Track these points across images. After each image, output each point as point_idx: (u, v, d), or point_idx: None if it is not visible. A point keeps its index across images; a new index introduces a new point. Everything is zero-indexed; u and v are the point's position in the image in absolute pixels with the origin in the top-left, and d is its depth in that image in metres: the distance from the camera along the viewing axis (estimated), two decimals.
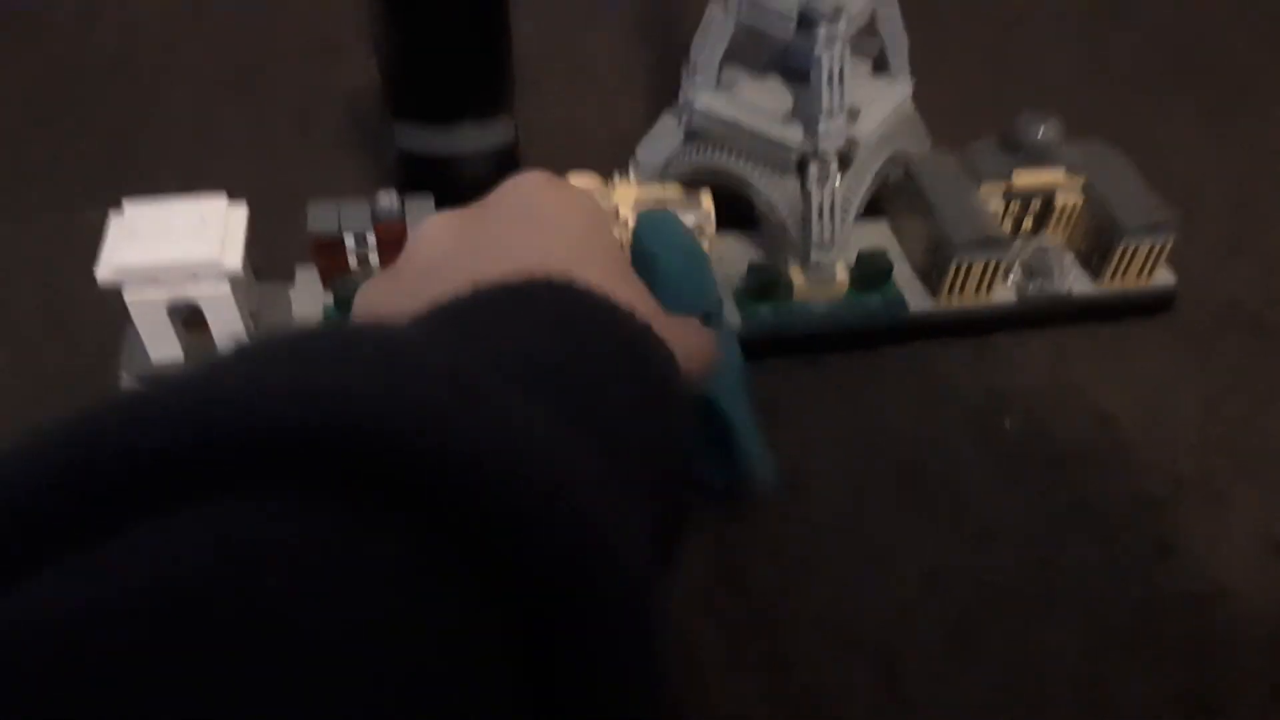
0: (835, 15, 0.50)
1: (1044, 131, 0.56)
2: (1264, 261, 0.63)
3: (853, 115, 0.55)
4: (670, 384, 0.28)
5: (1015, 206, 0.58)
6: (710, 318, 0.40)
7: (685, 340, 0.31)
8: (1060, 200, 0.58)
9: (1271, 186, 0.68)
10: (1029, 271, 0.57)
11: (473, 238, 0.31)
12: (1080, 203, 0.58)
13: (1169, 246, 0.57)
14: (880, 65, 0.59)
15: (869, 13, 0.53)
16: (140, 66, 0.74)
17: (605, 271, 0.29)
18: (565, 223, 0.31)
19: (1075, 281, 0.58)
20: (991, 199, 0.57)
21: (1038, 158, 0.57)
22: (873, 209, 0.60)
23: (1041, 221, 0.59)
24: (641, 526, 0.21)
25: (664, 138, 0.59)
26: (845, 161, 0.55)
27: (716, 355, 0.35)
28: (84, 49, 0.75)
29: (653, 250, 0.41)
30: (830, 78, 0.52)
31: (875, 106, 0.56)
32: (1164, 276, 0.58)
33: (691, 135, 0.57)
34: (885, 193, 0.60)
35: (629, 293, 0.29)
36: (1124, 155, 0.59)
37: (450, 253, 0.30)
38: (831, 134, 0.53)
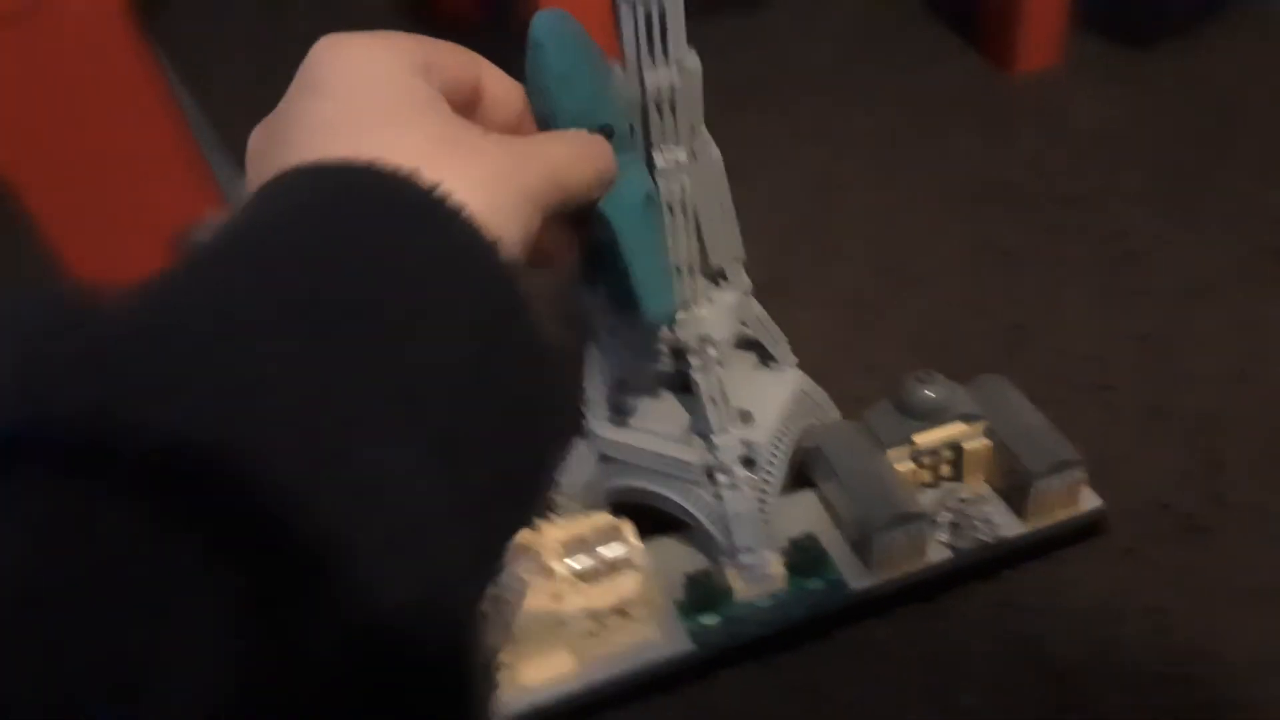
0: (703, 344, 0.53)
1: (931, 392, 0.58)
2: (1182, 449, 0.64)
3: (746, 418, 0.56)
4: (508, 303, 0.24)
5: (927, 461, 0.59)
6: (611, 134, 0.37)
7: (571, 152, 0.30)
8: (968, 447, 0.59)
9: (1170, 356, 0.70)
10: (956, 525, 0.58)
11: (282, 115, 0.27)
12: (988, 445, 0.59)
13: (1082, 478, 0.57)
14: (765, 356, 0.61)
15: (735, 325, 0.56)
16: None
17: (418, 138, 0.25)
18: (363, 88, 0.26)
19: (1003, 525, 0.58)
20: (900, 461, 0.59)
21: (933, 416, 0.58)
22: (799, 479, 0.61)
23: (957, 469, 0.60)
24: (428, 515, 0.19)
25: (580, 464, 0.60)
26: (750, 462, 0.57)
27: (611, 171, 0.33)
28: None
29: (547, 58, 0.36)
30: (713, 398, 0.54)
31: (767, 403, 0.58)
32: (1089, 499, 0.59)
33: (603, 460, 0.59)
34: (805, 459, 0.62)
35: (448, 161, 0.25)
36: (1014, 390, 0.61)
37: (269, 131, 0.27)
38: (728, 447, 0.55)
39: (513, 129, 0.33)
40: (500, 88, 0.32)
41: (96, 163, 0.79)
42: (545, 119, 0.34)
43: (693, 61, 0.47)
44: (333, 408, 0.19)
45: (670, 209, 0.49)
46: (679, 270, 0.51)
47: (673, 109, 0.47)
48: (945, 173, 0.90)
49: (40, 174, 0.78)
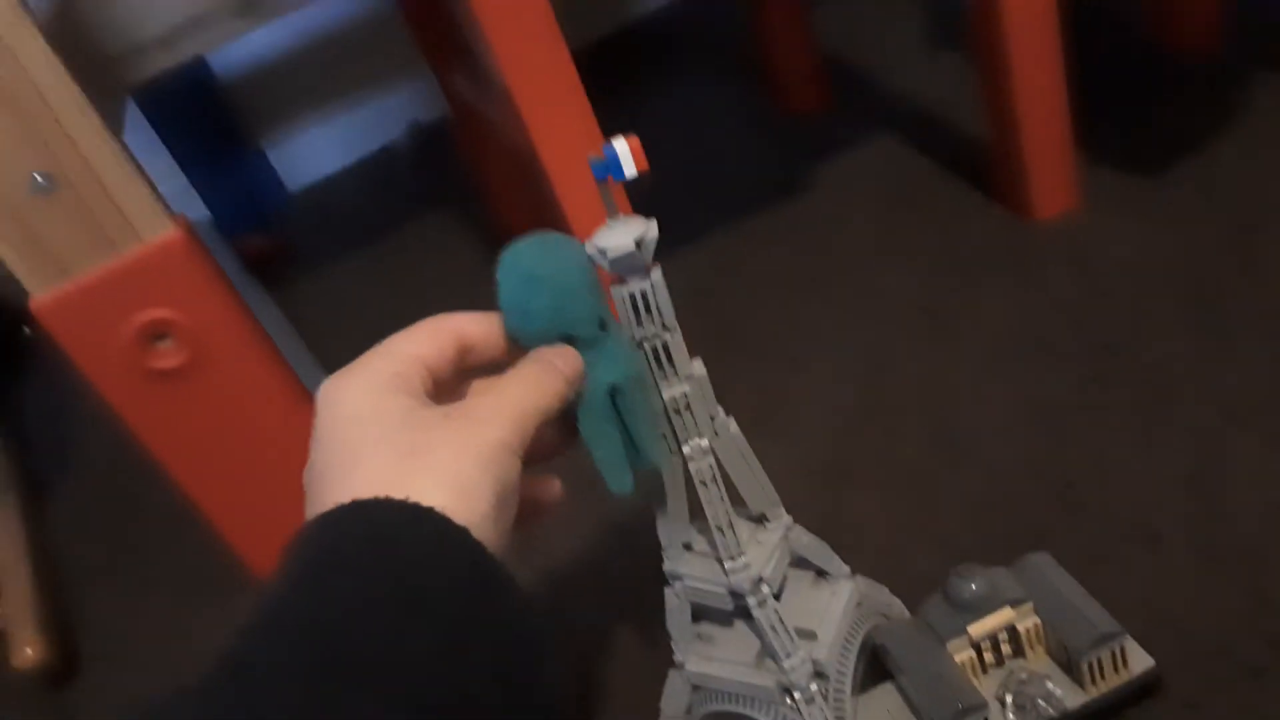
0: (756, 586, 0.61)
1: (975, 585, 0.65)
2: (1233, 591, 0.68)
3: (809, 636, 0.64)
4: (490, 597, 0.31)
5: (986, 646, 0.66)
6: (576, 339, 0.45)
7: (533, 383, 0.37)
8: (1021, 628, 0.65)
9: (1213, 494, 0.74)
10: (1020, 706, 0.64)
11: (310, 464, 0.36)
12: (1039, 623, 0.65)
13: (1126, 646, 0.63)
14: (820, 573, 0.69)
15: (785, 563, 0.64)
16: None
17: (383, 464, 0.32)
18: (342, 433, 0.35)
19: (1065, 697, 0.63)
20: (960, 652, 0.65)
21: (982, 606, 0.65)
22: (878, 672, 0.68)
23: (1017, 647, 0.66)
24: None
25: (676, 693, 0.69)
26: (820, 674, 0.64)
27: (579, 375, 0.41)
28: None
29: (501, 293, 0.44)
30: (774, 629, 0.62)
31: (828, 618, 0.65)
32: (1140, 660, 0.64)
33: (696, 689, 0.68)
34: (877, 655, 0.69)
35: (412, 472, 0.32)
36: (1055, 566, 0.66)
37: (308, 477, 0.36)
38: (796, 667, 0.62)
39: (504, 355, 0.43)
40: (480, 329, 0.43)
41: (257, 472, 0.94)
42: (515, 338, 0.44)
43: (699, 369, 0.57)
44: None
45: (704, 484, 0.59)
46: (719, 530, 0.60)
47: (690, 409, 0.57)
48: (986, 331, 0.96)
49: (212, 487, 0.94)
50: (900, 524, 0.82)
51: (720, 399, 0.59)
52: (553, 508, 0.47)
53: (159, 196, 0.85)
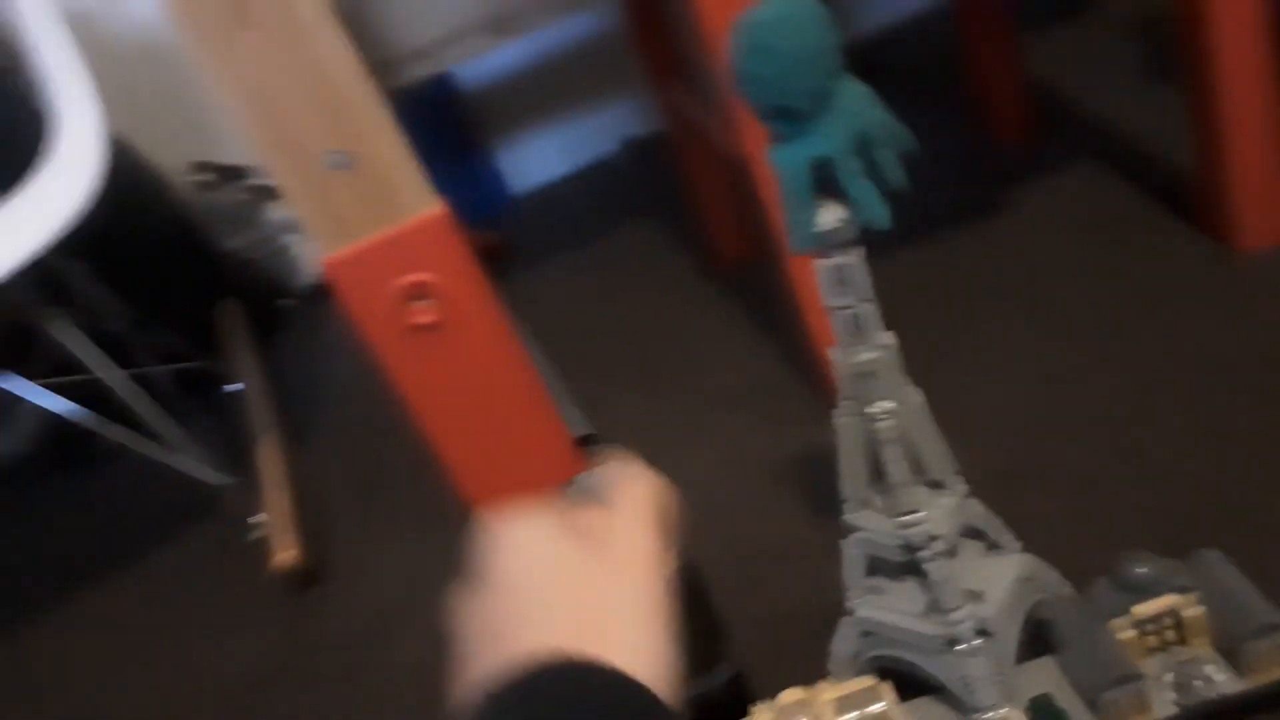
0: (928, 542, 0.68)
1: (1144, 568, 0.69)
2: None
3: (976, 597, 0.70)
4: None
5: (1150, 629, 0.69)
6: (792, 110, 0.52)
7: (651, 528, 0.42)
8: (1186, 614, 0.68)
9: None
10: (1180, 684, 0.67)
11: (492, 615, 0.39)
12: (1203, 611, 0.68)
13: None
14: (990, 544, 0.74)
15: (958, 526, 0.70)
16: None
17: (568, 625, 0.36)
18: (541, 594, 0.39)
19: (1223, 682, 0.66)
20: (1123, 631, 0.69)
21: (1149, 590, 0.69)
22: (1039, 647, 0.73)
23: (1180, 634, 0.69)
24: None
25: (846, 639, 0.76)
26: (986, 633, 0.69)
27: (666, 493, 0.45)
28: None
29: (748, 43, 0.50)
30: (942, 583, 0.68)
31: (995, 584, 0.71)
32: None
33: (865, 634, 0.74)
34: (1040, 631, 0.73)
35: (593, 637, 0.36)
36: (1226, 561, 0.69)
37: (486, 628, 0.39)
38: (962, 621, 0.68)
39: None
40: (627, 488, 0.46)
41: (487, 419, 1.08)
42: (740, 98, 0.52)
43: (889, 339, 0.65)
44: None
45: (888, 443, 0.66)
46: (897, 487, 0.67)
47: (877, 374, 0.65)
48: (1178, 358, 0.98)
49: (450, 432, 1.09)
50: (1072, 524, 0.85)
51: None
52: None
53: (426, 180, 1.00)
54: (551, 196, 2.03)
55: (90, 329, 1.31)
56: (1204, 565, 0.70)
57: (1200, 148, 1.06)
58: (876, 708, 0.69)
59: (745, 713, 0.72)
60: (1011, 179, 1.34)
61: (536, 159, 2.10)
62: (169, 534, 1.38)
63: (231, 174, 1.98)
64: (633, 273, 1.57)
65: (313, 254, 2.08)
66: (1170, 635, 0.70)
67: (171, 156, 1.94)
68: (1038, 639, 0.73)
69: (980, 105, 1.46)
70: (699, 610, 0.76)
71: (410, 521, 1.21)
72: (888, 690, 0.70)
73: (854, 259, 0.61)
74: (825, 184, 0.58)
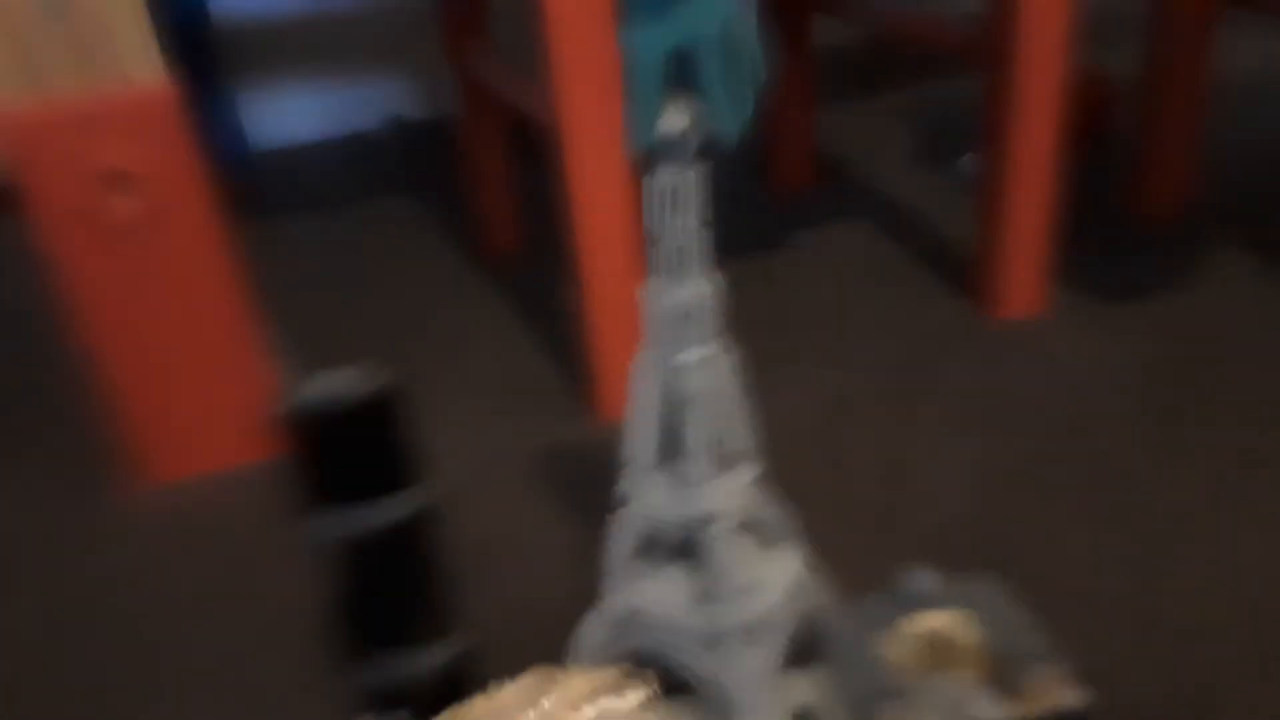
0: (712, 518, 0.59)
1: (923, 582, 0.64)
2: (1168, 659, 0.68)
3: (748, 591, 0.62)
4: None
5: (919, 647, 0.64)
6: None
7: None
8: (960, 635, 0.64)
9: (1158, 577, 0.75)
10: (949, 707, 0.62)
11: None
12: (974, 635, 0.64)
13: (1061, 671, 0.62)
14: (767, 542, 0.67)
15: (741, 507, 0.62)
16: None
17: None
18: None
19: (989, 710, 0.62)
20: (893, 645, 0.63)
21: (924, 605, 0.64)
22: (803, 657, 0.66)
23: (946, 658, 0.65)
24: None
25: (595, 631, 0.65)
26: (751, 632, 0.61)
27: None
28: None
29: None
30: (720, 568, 0.60)
31: (771, 581, 0.63)
32: (1071, 696, 0.63)
33: (618, 625, 0.64)
34: (804, 640, 0.66)
35: None
36: (1003, 589, 0.66)
37: None
38: (730, 616, 0.60)
39: None
40: None
41: (175, 346, 0.89)
42: None
43: (719, 281, 0.57)
44: None
45: (695, 398, 0.58)
46: (695, 451, 0.58)
47: (702, 315, 0.56)
48: (944, 398, 0.98)
49: (125, 354, 0.88)
50: (848, 541, 0.80)
51: None
52: None
53: (161, 51, 0.82)
54: (301, 158, 1.84)
55: None
56: (982, 591, 0.66)
57: (981, 217, 1.10)
58: (636, 695, 0.58)
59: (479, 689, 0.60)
60: (793, 224, 1.35)
61: (289, 115, 1.91)
62: None
63: None
64: (389, 251, 1.42)
65: None
66: (940, 656, 0.65)
67: None
68: (804, 650, 0.66)
69: (771, 163, 1.48)
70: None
71: (24, 465, 0.98)
72: (649, 680, 0.60)
73: (691, 178, 0.53)
74: (677, 82, 0.50)
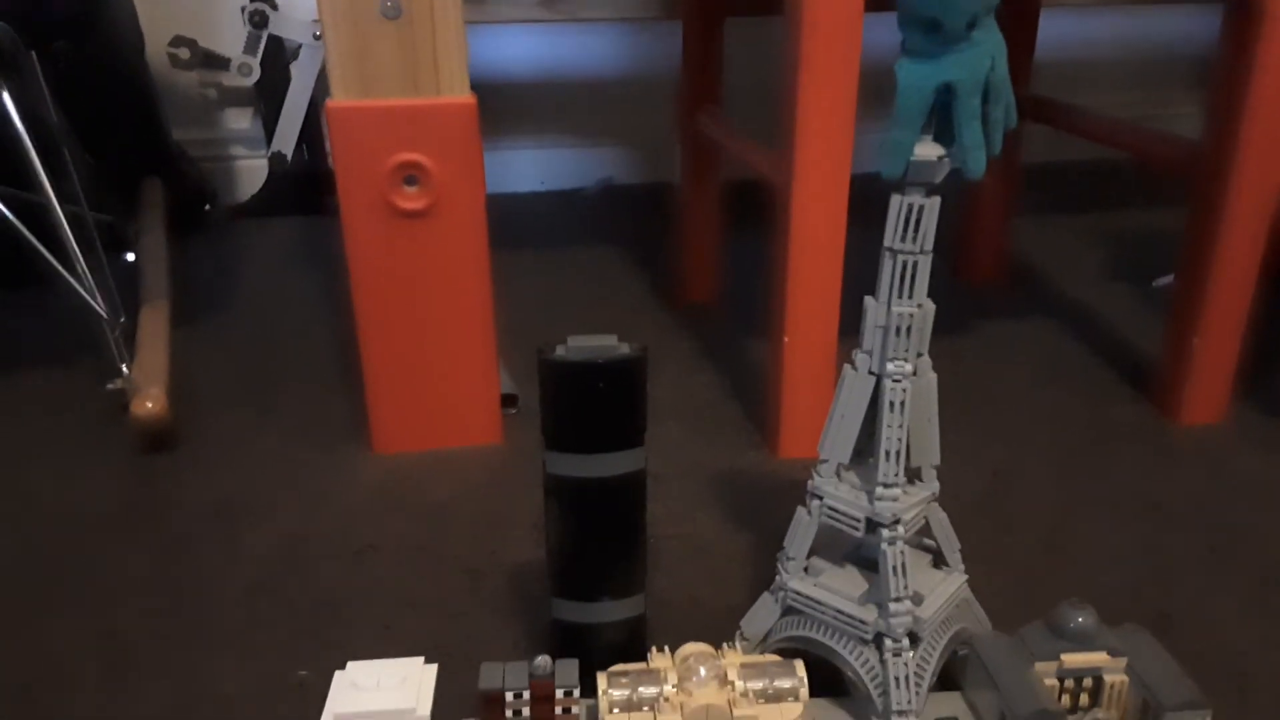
0: (894, 522, 0.65)
1: (1082, 620, 0.67)
2: None
3: (917, 600, 0.67)
4: None
5: (1070, 684, 0.68)
6: (943, 27, 0.54)
7: None
8: (1109, 679, 0.67)
9: None
10: None
11: None
12: (1125, 680, 0.67)
13: None
14: (939, 561, 0.72)
15: (923, 519, 0.68)
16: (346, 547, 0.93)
17: None
18: None
19: None
20: (1046, 677, 0.67)
21: (1080, 642, 0.67)
22: (946, 682, 0.70)
23: (1095, 698, 0.68)
24: None
25: (764, 613, 0.72)
26: (915, 638, 0.67)
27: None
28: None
29: None
30: (895, 569, 0.65)
31: (936, 594, 0.69)
32: None
33: (786, 612, 0.70)
34: (954, 668, 0.71)
35: None
36: (1155, 640, 0.69)
37: None
38: (899, 614, 0.65)
39: None
40: None
41: (433, 328, 1.03)
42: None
43: (930, 305, 0.64)
44: None
45: (893, 405, 0.64)
46: (887, 455, 0.65)
47: (907, 333, 0.64)
48: (1114, 486, 1.01)
49: (390, 334, 1.02)
50: (1006, 590, 0.84)
51: None
52: None
53: (467, 67, 0.97)
54: (516, 205, 2.03)
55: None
56: (1133, 637, 0.69)
57: (1172, 333, 1.13)
58: (788, 680, 0.64)
59: (641, 655, 0.67)
60: (983, 314, 1.40)
61: (508, 166, 2.10)
62: (54, 360, 1.29)
63: (208, 60, 1.90)
64: (591, 289, 1.56)
65: (252, 174, 2.00)
66: (1085, 700, 0.68)
67: (161, 21, 1.86)
68: (946, 674, 0.71)
69: (962, 250, 1.54)
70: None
71: (285, 423, 1.13)
72: (799, 666, 0.66)
73: (934, 203, 0.61)
74: (936, 117, 0.58)
